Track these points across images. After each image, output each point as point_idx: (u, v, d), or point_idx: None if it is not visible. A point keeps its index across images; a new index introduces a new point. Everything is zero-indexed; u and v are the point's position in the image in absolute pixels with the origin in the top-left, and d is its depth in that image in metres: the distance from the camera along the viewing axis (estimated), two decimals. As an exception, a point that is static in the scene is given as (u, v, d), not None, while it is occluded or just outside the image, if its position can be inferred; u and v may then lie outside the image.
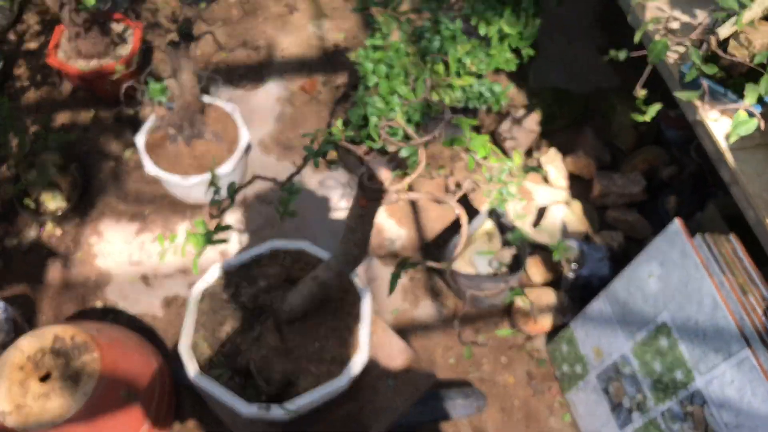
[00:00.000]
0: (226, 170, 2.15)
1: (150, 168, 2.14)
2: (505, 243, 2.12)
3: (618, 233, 2.19)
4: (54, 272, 2.20)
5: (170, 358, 1.97)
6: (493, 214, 2.14)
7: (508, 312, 2.16)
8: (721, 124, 1.53)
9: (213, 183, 1.24)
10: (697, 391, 1.46)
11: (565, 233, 2.21)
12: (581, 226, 2.23)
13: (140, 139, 2.19)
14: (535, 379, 2.06)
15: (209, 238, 1.15)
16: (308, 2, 2.98)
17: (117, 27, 2.52)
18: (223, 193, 1.23)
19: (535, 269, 2.18)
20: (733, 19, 1.44)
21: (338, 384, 1.57)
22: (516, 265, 2.07)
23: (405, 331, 2.11)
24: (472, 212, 2.27)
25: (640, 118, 1.43)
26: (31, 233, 2.27)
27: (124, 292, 2.17)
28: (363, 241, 1.32)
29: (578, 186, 2.38)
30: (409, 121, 1.92)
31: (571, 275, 2.07)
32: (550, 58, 2.66)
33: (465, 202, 2.33)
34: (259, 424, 1.69)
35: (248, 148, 2.28)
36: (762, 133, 1.47)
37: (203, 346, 1.62)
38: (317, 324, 1.66)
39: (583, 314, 1.86)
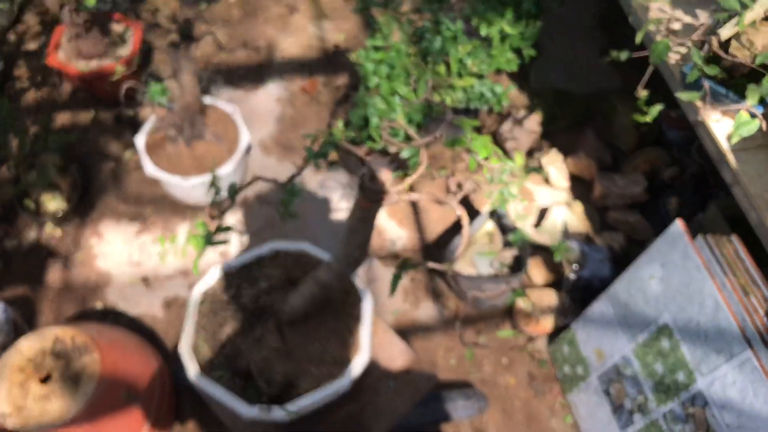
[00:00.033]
0: (227, 171, 2.15)
1: (150, 169, 2.14)
2: (507, 244, 2.11)
3: (619, 234, 2.19)
4: (54, 273, 2.20)
5: (170, 360, 1.97)
6: (494, 214, 2.14)
7: (509, 313, 2.16)
8: (723, 125, 1.53)
9: (213, 184, 1.23)
10: (698, 392, 1.46)
11: (566, 234, 2.20)
12: (582, 227, 2.23)
13: (140, 139, 2.19)
14: (536, 381, 2.05)
15: (210, 239, 1.15)
16: (308, 3, 2.98)
17: (117, 27, 2.51)
18: (224, 193, 1.23)
19: (536, 270, 2.17)
20: (734, 20, 1.44)
21: (339, 385, 1.57)
22: (517, 266, 2.07)
23: (406, 332, 2.10)
24: (473, 213, 2.27)
25: (641, 119, 1.43)
26: (31, 234, 2.27)
27: (124, 293, 2.17)
28: (364, 242, 1.32)
29: (579, 187, 2.37)
30: (410, 121, 1.92)
31: (572, 276, 2.06)
32: (550, 58, 2.66)
33: (466, 202, 2.33)
34: (260, 426, 1.68)
35: (248, 149, 2.27)
36: (763, 134, 1.46)
37: (204, 348, 1.62)
38: (318, 325, 1.65)
39: (584, 315, 1.86)
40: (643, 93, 1.42)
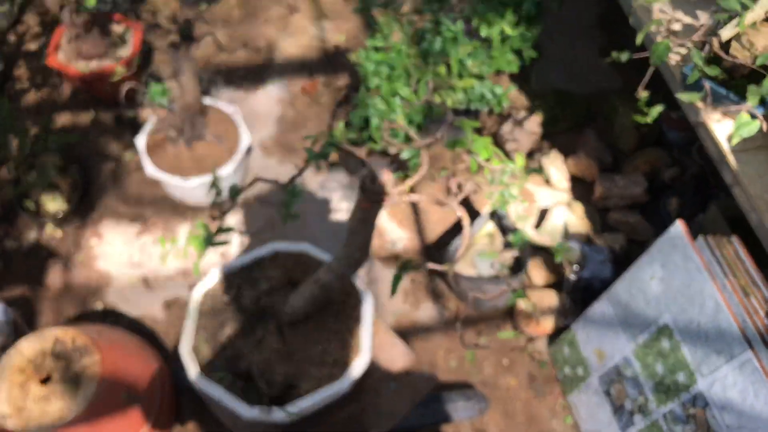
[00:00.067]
0: (227, 172, 2.15)
1: (150, 170, 2.14)
2: (507, 245, 2.11)
3: (620, 235, 2.19)
4: (54, 274, 2.20)
5: (171, 361, 1.97)
6: (495, 215, 2.14)
7: (509, 314, 2.16)
8: (723, 126, 1.53)
9: (214, 185, 1.23)
10: (699, 393, 1.46)
11: (567, 235, 2.20)
12: (583, 227, 2.23)
13: (141, 140, 2.19)
14: (536, 382, 2.05)
15: (211, 240, 1.15)
16: (309, 3, 2.98)
17: (117, 28, 2.51)
18: (225, 194, 1.23)
19: (536, 271, 2.17)
20: (735, 21, 1.44)
21: (340, 386, 1.57)
22: (517, 267, 2.07)
23: (406, 333, 2.10)
24: (473, 214, 2.27)
25: (642, 120, 1.43)
26: (32, 235, 2.27)
27: (124, 294, 2.17)
28: (365, 243, 1.32)
29: (580, 188, 2.37)
30: (410, 122, 1.92)
31: (572, 277, 2.06)
32: (551, 58, 2.65)
33: (466, 203, 2.33)
34: (260, 426, 1.68)
35: (249, 150, 2.27)
36: (764, 135, 1.46)
37: (204, 349, 1.62)
38: (319, 326, 1.65)
39: (585, 316, 1.86)
40: (643, 94, 1.42)
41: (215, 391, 1.55)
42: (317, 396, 1.54)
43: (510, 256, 2.08)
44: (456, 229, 2.33)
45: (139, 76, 2.48)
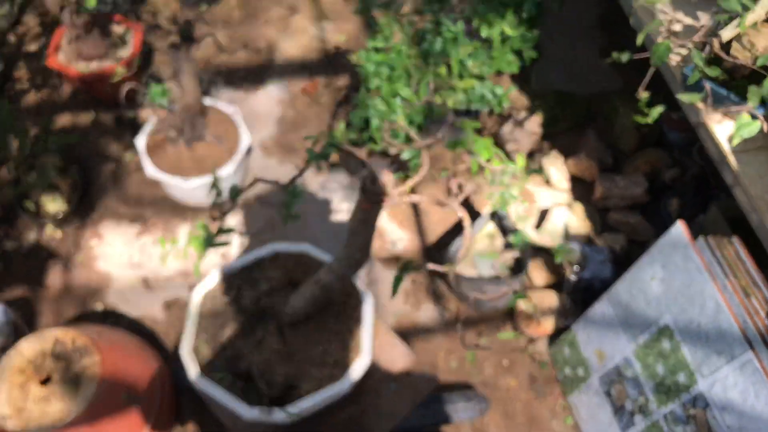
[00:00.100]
0: (227, 172, 2.15)
1: (151, 170, 2.14)
2: (507, 245, 2.11)
3: (620, 235, 2.19)
4: (54, 275, 2.19)
5: (171, 361, 1.97)
6: (495, 216, 2.14)
7: (510, 315, 2.16)
8: (724, 127, 1.53)
9: (215, 185, 1.23)
10: (699, 394, 1.46)
11: (567, 236, 2.20)
12: (583, 228, 2.23)
13: (141, 141, 2.19)
14: (537, 382, 2.05)
15: (211, 241, 1.15)
16: (309, 4, 2.98)
17: (117, 29, 2.51)
18: (225, 195, 1.22)
19: (536, 272, 2.17)
20: (735, 22, 1.44)
21: (340, 387, 1.57)
22: (518, 267, 2.07)
23: (407, 334, 2.10)
24: (473, 214, 2.27)
25: (642, 121, 1.43)
26: (32, 236, 2.26)
27: (124, 294, 2.17)
28: (365, 244, 1.32)
29: (580, 188, 2.37)
30: (410, 123, 1.92)
31: (573, 278, 2.06)
32: (551, 59, 2.65)
33: (467, 204, 2.33)
34: (261, 427, 1.68)
35: (249, 151, 2.27)
36: (765, 136, 1.46)
37: (205, 350, 1.62)
38: (319, 327, 1.65)
39: (585, 317, 1.86)
40: (644, 94, 1.42)
41: (215, 392, 1.54)
42: (318, 397, 1.54)
43: (510, 256, 2.08)
44: (456, 229, 2.33)
45: (139, 77, 2.48)
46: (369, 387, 1.79)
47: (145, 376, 1.68)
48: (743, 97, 1.38)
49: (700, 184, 2.18)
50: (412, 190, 2.07)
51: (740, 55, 1.44)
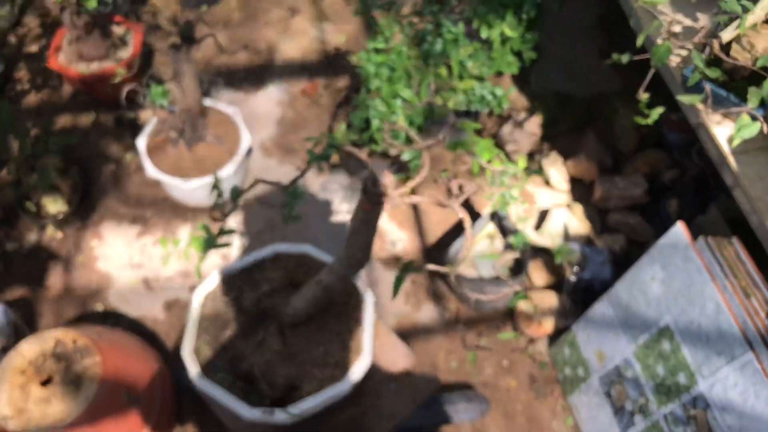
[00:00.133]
0: (228, 173, 2.15)
1: (151, 171, 2.14)
2: (508, 246, 2.11)
3: (620, 236, 2.19)
4: (55, 276, 2.20)
5: (171, 362, 1.97)
6: (495, 217, 2.14)
7: (510, 315, 2.16)
8: (724, 128, 1.53)
9: (216, 186, 1.23)
10: (699, 394, 1.46)
11: (567, 236, 2.21)
12: (583, 229, 2.23)
13: (141, 142, 2.19)
14: (537, 383, 2.05)
15: (213, 242, 1.15)
16: (309, 5, 2.99)
17: (118, 30, 2.52)
18: (226, 196, 1.23)
19: (537, 272, 2.17)
20: (735, 23, 1.44)
21: (341, 388, 1.57)
22: (518, 268, 2.07)
23: (407, 334, 2.10)
24: (474, 215, 2.27)
25: (642, 122, 1.43)
26: (32, 236, 2.27)
27: (125, 295, 2.17)
28: (366, 244, 1.32)
29: (580, 189, 2.37)
30: (410, 124, 1.92)
31: (573, 278, 2.06)
32: (551, 59, 2.65)
33: (467, 205, 2.33)
34: (261, 428, 1.68)
35: (249, 151, 2.27)
36: (764, 137, 1.47)
37: (206, 350, 1.62)
38: (321, 328, 1.65)
39: (585, 317, 1.86)
40: (644, 96, 1.43)
41: (217, 392, 1.55)
42: (319, 398, 1.54)
43: (511, 257, 2.08)
44: (456, 230, 2.33)
45: (139, 78, 2.48)
46: (369, 388, 1.79)
47: (146, 376, 1.68)
48: (743, 99, 1.38)
49: (699, 185, 2.18)
50: (413, 191, 2.08)
51: (740, 57, 1.44)
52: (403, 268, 1.18)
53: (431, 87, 1.78)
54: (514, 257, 2.08)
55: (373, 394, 1.79)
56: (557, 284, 2.17)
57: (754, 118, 1.23)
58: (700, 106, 1.53)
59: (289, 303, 1.59)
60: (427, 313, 2.17)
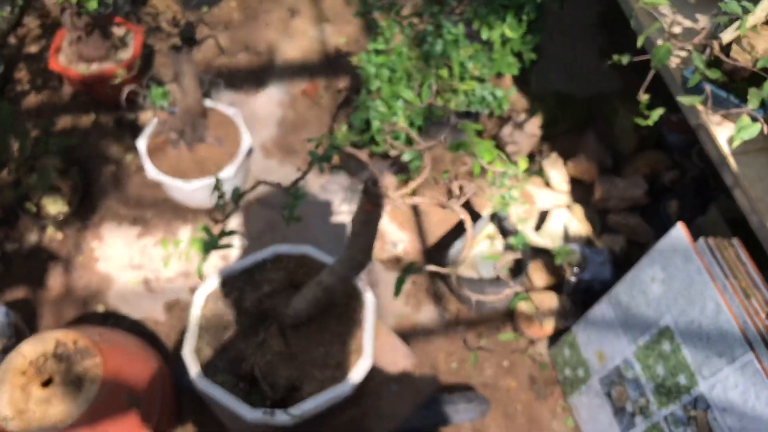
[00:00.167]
0: (228, 174, 2.15)
1: (151, 172, 2.14)
2: (508, 247, 2.12)
3: (620, 237, 2.19)
4: (55, 277, 2.20)
5: (171, 363, 1.97)
6: (495, 218, 2.15)
7: (510, 316, 2.16)
8: (724, 129, 1.54)
9: (217, 187, 1.23)
10: (700, 395, 1.46)
11: (567, 237, 2.21)
12: (583, 229, 2.23)
13: (141, 143, 2.19)
14: (537, 384, 2.05)
15: (214, 244, 1.15)
16: (310, 6, 2.99)
17: (118, 31, 2.52)
18: (227, 197, 1.23)
19: (537, 273, 2.18)
20: (735, 24, 1.44)
21: (342, 389, 1.57)
22: (518, 269, 2.07)
23: (407, 335, 2.10)
24: (474, 216, 2.27)
25: (642, 123, 1.43)
26: (32, 237, 2.27)
27: (125, 296, 2.17)
28: (367, 245, 1.32)
29: (580, 190, 2.38)
30: (411, 125, 1.92)
31: (573, 279, 2.07)
32: (551, 59, 2.65)
33: (467, 206, 2.33)
34: (262, 429, 1.68)
35: (250, 152, 2.28)
36: (764, 138, 1.47)
37: (207, 351, 1.62)
38: (321, 329, 1.65)
39: (585, 318, 1.86)
40: (644, 97, 1.43)
41: (218, 393, 1.55)
42: (320, 399, 1.55)
43: (511, 258, 2.08)
44: (456, 231, 2.33)
45: (139, 79, 2.48)
46: (370, 389, 1.79)
47: (146, 377, 1.68)
48: (743, 99, 1.39)
49: (699, 186, 2.18)
50: (414, 192, 2.08)
51: (740, 58, 1.45)
52: (406, 269, 1.18)
53: (433, 88, 1.78)
54: (514, 258, 2.09)
55: (373, 395, 1.79)
56: (557, 285, 2.17)
57: (754, 119, 1.23)
58: (700, 107, 1.53)
59: (289, 304, 1.60)
60: (427, 313, 2.17)
